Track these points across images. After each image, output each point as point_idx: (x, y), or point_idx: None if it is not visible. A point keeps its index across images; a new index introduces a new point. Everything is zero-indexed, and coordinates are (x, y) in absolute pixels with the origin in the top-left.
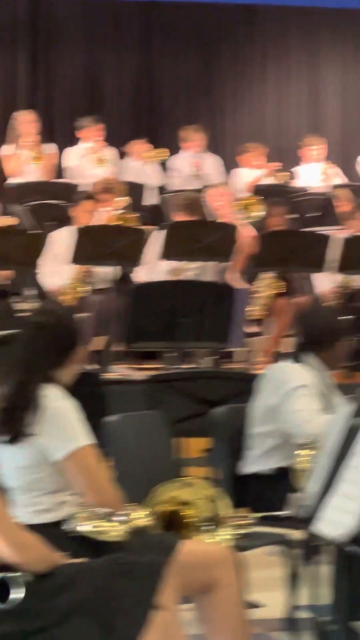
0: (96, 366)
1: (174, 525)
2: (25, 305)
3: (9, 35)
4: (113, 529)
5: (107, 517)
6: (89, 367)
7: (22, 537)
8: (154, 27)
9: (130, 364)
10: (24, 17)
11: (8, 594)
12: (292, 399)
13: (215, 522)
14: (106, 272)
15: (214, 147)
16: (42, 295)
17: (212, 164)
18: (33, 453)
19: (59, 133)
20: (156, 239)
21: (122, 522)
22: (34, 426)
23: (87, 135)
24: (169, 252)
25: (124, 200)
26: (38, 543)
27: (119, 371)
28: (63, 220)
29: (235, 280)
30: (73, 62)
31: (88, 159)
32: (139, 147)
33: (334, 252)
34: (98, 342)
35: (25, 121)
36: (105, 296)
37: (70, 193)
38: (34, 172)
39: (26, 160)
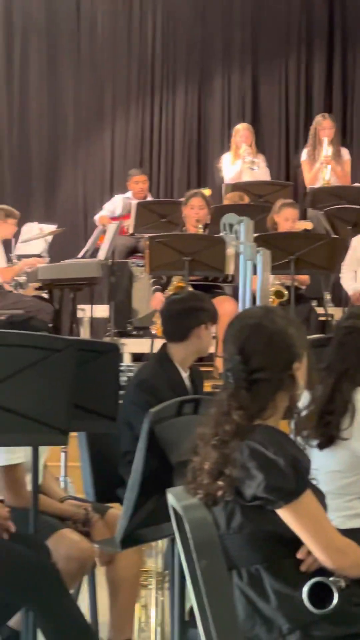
0: None
1: None
2: (324, 310)
3: (304, 38)
4: None
5: None
6: None
7: (341, 542)
8: None
9: None
10: (319, 20)
11: (325, 598)
12: None
13: None
14: None
15: None
16: (339, 299)
17: None
18: (345, 457)
19: (355, 137)
20: None
21: None
22: (347, 430)
23: None
24: None
25: None
26: (356, 548)
27: None
28: None
29: None
30: None
31: None
32: None
33: None
34: None
35: (323, 127)
36: None
37: None
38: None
39: (322, 166)
